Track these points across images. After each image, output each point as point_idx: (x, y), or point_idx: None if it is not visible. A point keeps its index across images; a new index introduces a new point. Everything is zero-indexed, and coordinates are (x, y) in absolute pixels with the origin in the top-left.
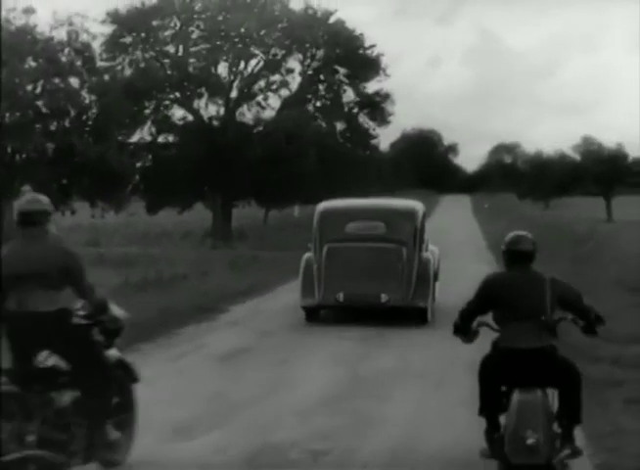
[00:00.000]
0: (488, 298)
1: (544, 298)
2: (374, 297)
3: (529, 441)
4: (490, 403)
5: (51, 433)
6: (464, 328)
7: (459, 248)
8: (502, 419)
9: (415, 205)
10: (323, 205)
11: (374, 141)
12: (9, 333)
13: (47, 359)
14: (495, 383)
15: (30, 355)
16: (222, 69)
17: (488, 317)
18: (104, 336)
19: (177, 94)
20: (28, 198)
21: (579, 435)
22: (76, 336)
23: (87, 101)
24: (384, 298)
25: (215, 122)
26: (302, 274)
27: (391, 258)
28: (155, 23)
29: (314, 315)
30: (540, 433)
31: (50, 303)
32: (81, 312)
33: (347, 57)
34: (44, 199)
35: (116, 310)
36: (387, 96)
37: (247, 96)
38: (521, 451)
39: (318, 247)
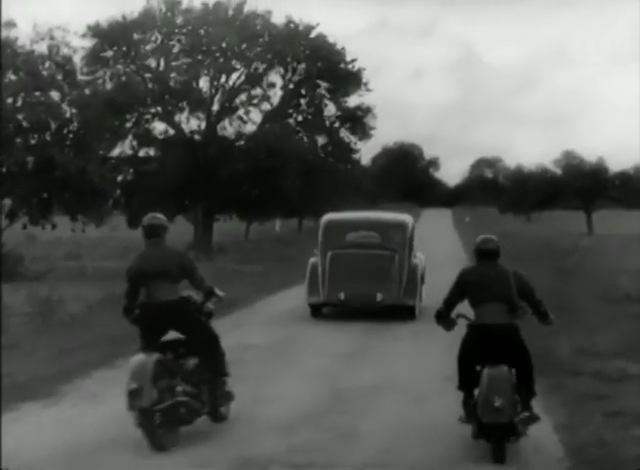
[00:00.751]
0: (464, 285)
1: (509, 285)
2: (370, 296)
3: (497, 403)
4: (467, 380)
5: (188, 387)
6: (446, 316)
7: (440, 260)
8: (476, 393)
9: (406, 218)
10: (327, 217)
11: (355, 155)
12: (140, 318)
13: (170, 335)
14: (471, 363)
15: (160, 334)
16: (203, 83)
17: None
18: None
19: (158, 108)
20: (150, 216)
21: (562, 449)
22: (192, 317)
23: (68, 115)
24: (379, 297)
25: (197, 136)
26: (309, 276)
27: (385, 263)
28: (136, 36)
29: (318, 311)
30: (505, 398)
31: (172, 293)
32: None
33: (329, 71)
34: (162, 216)
35: (219, 293)
36: (368, 110)
37: (228, 110)
38: (490, 412)
39: (322, 253)
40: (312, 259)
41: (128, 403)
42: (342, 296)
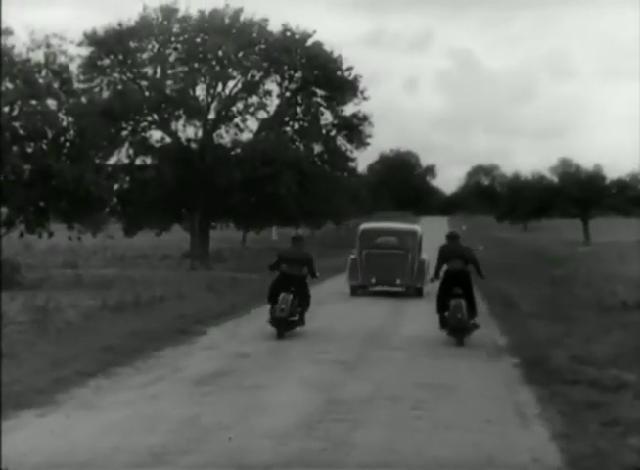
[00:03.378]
0: (443, 253)
1: (464, 252)
2: (392, 280)
3: (459, 316)
4: (442, 308)
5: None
6: (437, 274)
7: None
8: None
9: (416, 227)
10: (363, 226)
11: (352, 163)
12: (279, 278)
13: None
14: (444, 299)
15: (287, 287)
16: (200, 91)
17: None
18: None
19: (155, 116)
20: (296, 231)
21: (559, 457)
22: (304, 284)
23: (64, 123)
24: (398, 281)
25: (193, 145)
26: (350, 267)
27: (402, 258)
28: (132, 44)
29: (356, 292)
30: (462, 314)
31: (299, 272)
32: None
33: (325, 79)
34: (301, 232)
35: (318, 274)
36: (364, 118)
37: (224, 118)
38: (455, 321)
39: (359, 251)
40: (352, 256)
41: (277, 314)
42: (373, 280)
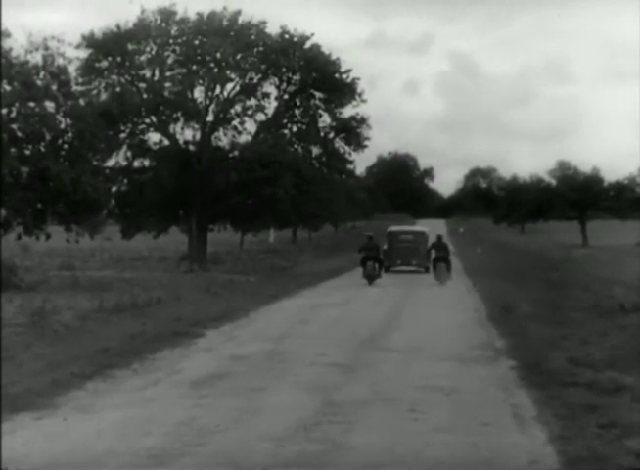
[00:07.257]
0: (433, 246)
1: (446, 246)
2: (410, 262)
3: (443, 270)
4: (434, 268)
5: (377, 270)
6: (428, 255)
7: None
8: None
9: (425, 229)
10: (391, 228)
11: (350, 166)
12: (363, 257)
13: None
14: (435, 264)
15: (369, 261)
16: (198, 93)
17: None
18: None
19: (153, 118)
20: (369, 232)
21: (556, 459)
22: (378, 256)
23: (62, 125)
24: (414, 262)
25: (191, 147)
26: (383, 254)
27: (416, 249)
28: (130, 47)
29: (387, 270)
30: (444, 270)
31: (375, 253)
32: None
33: (323, 81)
34: (372, 232)
35: (385, 246)
36: (362, 121)
37: (223, 120)
38: (441, 272)
39: (388, 244)
40: (384, 247)
41: (367, 272)
42: (398, 262)
